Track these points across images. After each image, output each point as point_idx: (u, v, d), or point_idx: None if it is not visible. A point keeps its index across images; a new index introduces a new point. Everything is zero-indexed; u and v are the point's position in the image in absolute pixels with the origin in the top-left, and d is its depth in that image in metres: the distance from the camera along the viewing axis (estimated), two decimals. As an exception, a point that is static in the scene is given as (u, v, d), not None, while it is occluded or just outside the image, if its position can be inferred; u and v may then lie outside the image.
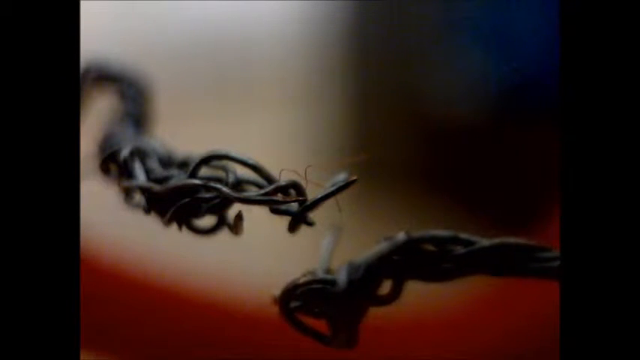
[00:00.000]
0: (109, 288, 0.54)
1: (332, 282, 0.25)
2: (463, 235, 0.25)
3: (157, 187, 0.27)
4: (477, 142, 0.87)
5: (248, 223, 0.27)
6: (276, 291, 0.25)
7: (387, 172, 0.88)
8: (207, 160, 0.27)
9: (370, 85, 0.96)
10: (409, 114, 0.92)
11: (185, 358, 0.55)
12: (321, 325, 0.25)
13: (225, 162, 0.27)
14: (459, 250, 0.25)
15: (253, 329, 0.54)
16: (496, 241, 0.24)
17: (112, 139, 0.30)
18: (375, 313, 0.25)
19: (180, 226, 0.27)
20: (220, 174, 0.27)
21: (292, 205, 0.26)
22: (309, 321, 0.25)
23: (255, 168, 0.26)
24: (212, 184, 0.26)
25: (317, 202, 0.26)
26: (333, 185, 0.26)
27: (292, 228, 0.26)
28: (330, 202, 0.26)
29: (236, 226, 0.27)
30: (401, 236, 0.25)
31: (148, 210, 0.27)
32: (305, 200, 0.26)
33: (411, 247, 0.25)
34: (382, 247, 0.25)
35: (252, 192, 0.26)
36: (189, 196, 0.26)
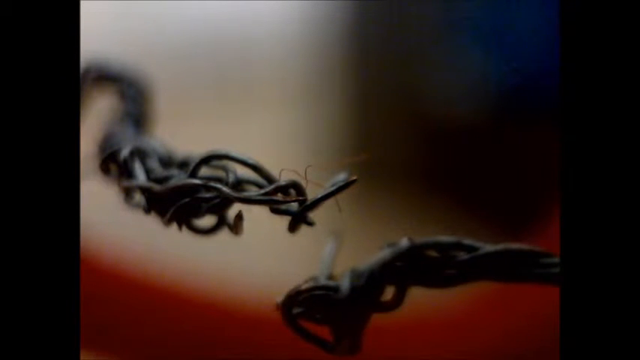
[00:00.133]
0: (109, 288, 0.54)
1: (335, 288, 0.25)
2: (466, 241, 0.25)
3: (157, 187, 0.27)
4: (477, 142, 0.87)
5: (248, 223, 0.27)
6: (279, 297, 0.25)
7: (387, 172, 0.88)
8: (207, 160, 0.27)
9: (370, 85, 0.96)
10: (409, 114, 0.92)
11: (185, 358, 0.55)
12: (324, 331, 0.25)
13: (225, 162, 0.27)
14: (463, 256, 0.25)
15: (253, 329, 0.54)
16: (499, 247, 0.24)
17: (112, 139, 0.30)
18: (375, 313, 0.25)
19: (180, 226, 0.27)
20: (220, 174, 0.27)
21: (292, 205, 0.26)
22: (312, 327, 0.25)
23: (255, 168, 0.26)
24: (212, 184, 0.26)
25: (317, 202, 0.26)
26: (333, 185, 0.26)
27: (292, 228, 0.26)
28: (330, 202, 0.26)
29: (236, 226, 0.27)
30: (404, 242, 0.25)
31: (148, 210, 0.27)
32: (305, 200, 0.26)
33: (414, 253, 0.25)
34: (385, 253, 0.25)
35: (252, 192, 0.26)
36: (189, 196, 0.26)
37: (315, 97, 1.03)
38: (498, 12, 0.85)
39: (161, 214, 0.27)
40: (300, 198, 0.26)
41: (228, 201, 0.26)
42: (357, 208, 0.82)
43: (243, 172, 0.26)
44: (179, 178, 0.27)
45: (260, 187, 0.26)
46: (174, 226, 0.27)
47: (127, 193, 0.28)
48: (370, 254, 0.25)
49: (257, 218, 0.27)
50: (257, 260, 0.72)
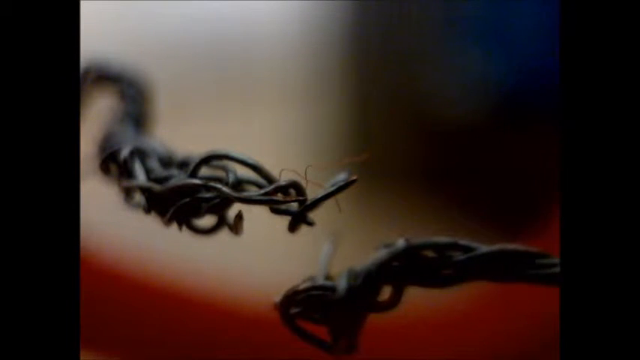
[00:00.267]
0: (109, 288, 0.54)
1: (332, 289, 0.25)
2: (463, 242, 0.25)
3: (157, 187, 0.27)
4: (477, 141, 0.87)
5: (248, 223, 0.27)
6: (277, 297, 0.26)
7: (388, 172, 0.88)
8: (207, 160, 0.27)
9: (370, 85, 0.96)
10: (409, 114, 0.92)
11: (185, 357, 0.55)
12: (321, 331, 0.25)
13: (225, 162, 0.27)
14: (459, 256, 0.25)
15: (253, 329, 0.54)
16: (496, 247, 0.25)
17: (112, 139, 0.30)
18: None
19: (180, 226, 0.27)
20: (220, 174, 0.27)
21: (292, 205, 0.26)
22: (310, 327, 0.25)
23: (255, 168, 0.26)
24: (212, 184, 0.26)
25: (317, 202, 0.26)
26: (333, 185, 0.26)
27: (292, 228, 0.26)
28: (330, 202, 0.26)
29: (236, 226, 0.27)
30: (400, 243, 0.25)
31: (148, 210, 0.27)
32: (305, 200, 0.26)
33: (410, 253, 0.25)
34: (382, 253, 0.25)
35: (252, 192, 0.26)
36: (190, 196, 0.26)
37: (315, 97, 1.03)
38: (498, 12, 0.85)
39: (161, 214, 0.27)
40: (300, 198, 0.26)
41: (228, 201, 0.26)
42: (357, 208, 0.82)
43: (243, 172, 0.26)
44: (179, 178, 0.27)
45: (260, 187, 0.26)
46: (174, 226, 0.27)
47: (127, 193, 0.28)
48: (370, 254, 0.25)
49: (257, 218, 0.27)
50: (257, 260, 0.72)
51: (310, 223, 0.26)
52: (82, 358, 0.27)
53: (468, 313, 0.58)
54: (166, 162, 0.28)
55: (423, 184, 0.90)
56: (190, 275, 0.58)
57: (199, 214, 0.26)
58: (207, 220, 0.27)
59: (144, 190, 0.27)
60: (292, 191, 0.26)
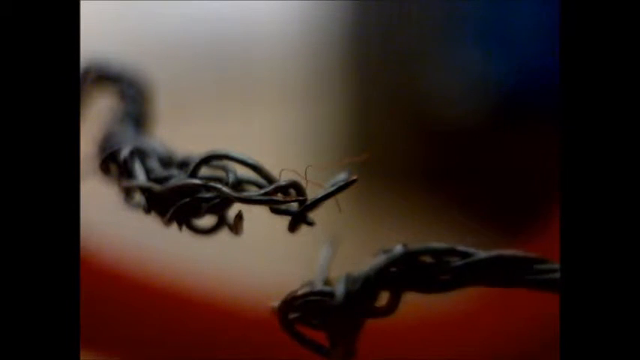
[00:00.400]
0: (109, 288, 0.54)
1: (330, 294, 0.25)
2: (460, 247, 0.25)
3: (157, 187, 0.27)
4: (477, 142, 0.87)
5: (248, 223, 0.27)
6: (275, 302, 0.26)
7: (388, 171, 0.88)
8: (207, 160, 0.27)
9: (370, 85, 0.96)
10: (409, 114, 0.92)
11: (185, 358, 0.55)
12: (320, 336, 0.25)
13: (225, 162, 0.27)
14: (457, 261, 0.25)
15: (252, 329, 0.54)
16: (493, 253, 0.25)
17: (112, 139, 0.30)
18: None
19: (180, 226, 0.27)
20: (220, 174, 0.27)
21: (292, 205, 0.26)
22: (308, 332, 0.26)
23: (255, 168, 0.26)
24: (212, 184, 0.26)
25: (317, 202, 0.26)
26: (333, 185, 0.26)
27: (292, 228, 0.26)
28: (330, 202, 0.26)
29: (236, 226, 0.27)
30: (398, 248, 0.25)
31: (148, 210, 0.27)
32: (305, 200, 0.26)
33: (408, 259, 0.25)
34: (380, 259, 0.25)
35: (252, 192, 0.26)
36: (190, 196, 0.26)
37: (315, 97, 1.03)
38: (498, 12, 0.85)
39: (161, 214, 0.27)
40: (300, 198, 0.26)
41: (228, 201, 0.26)
42: (357, 208, 0.82)
43: (243, 172, 0.26)
44: (179, 178, 0.27)
45: (260, 187, 0.26)
46: (174, 226, 0.27)
47: (127, 193, 0.28)
48: (370, 254, 0.25)
49: (257, 218, 0.27)
50: (257, 260, 0.72)
51: (310, 223, 0.26)
52: (82, 358, 0.27)
53: (467, 314, 0.58)
54: (166, 162, 0.28)
55: (423, 184, 0.90)
56: (190, 275, 0.58)
57: (199, 214, 0.26)
58: (207, 220, 0.27)
59: (144, 190, 0.27)
60: (292, 191, 0.26)
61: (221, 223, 0.27)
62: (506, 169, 0.85)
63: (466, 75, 0.85)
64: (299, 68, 1.06)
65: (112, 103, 0.33)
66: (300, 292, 0.25)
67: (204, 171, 0.27)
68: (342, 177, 0.26)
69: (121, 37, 1.04)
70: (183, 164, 0.28)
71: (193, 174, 0.26)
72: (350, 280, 0.25)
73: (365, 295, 0.25)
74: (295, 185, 0.26)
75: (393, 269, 0.25)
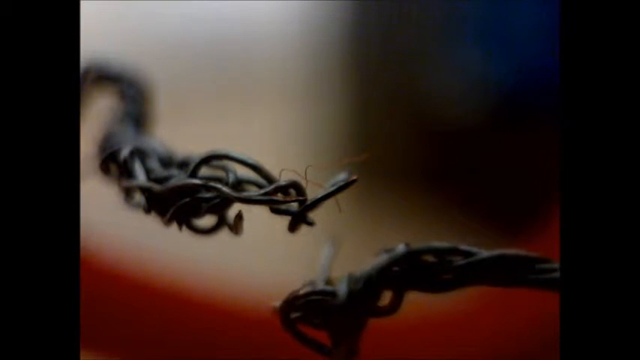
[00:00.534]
0: (109, 288, 0.54)
1: (332, 293, 0.25)
2: (463, 247, 0.25)
3: (157, 187, 0.27)
4: (477, 142, 0.87)
5: (248, 223, 0.27)
6: (277, 302, 0.26)
7: (388, 171, 0.88)
8: (207, 160, 0.27)
9: (370, 85, 0.96)
10: (409, 114, 0.92)
11: (185, 358, 0.55)
12: (322, 336, 0.25)
13: (225, 162, 0.27)
14: (459, 261, 0.25)
15: (253, 329, 0.54)
16: (496, 252, 0.25)
17: (112, 139, 0.30)
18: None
19: (180, 226, 0.27)
20: (220, 174, 0.27)
21: (292, 205, 0.26)
22: (310, 332, 0.26)
23: (255, 168, 0.26)
24: (212, 184, 0.26)
25: (317, 202, 0.26)
26: (333, 185, 0.26)
27: (292, 228, 0.26)
28: (330, 202, 0.26)
29: (236, 226, 0.27)
30: (401, 248, 0.25)
31: (148, 210, 0.27)
32: (305, 200, 0.26)
33: (411, 258, 0.25)
34: (382, 258, 0.25)
35: (252, 192, 0.26)
36: (190, 196, 0.26)
37: (315, 97, 1.03)
38: (498, 12, 0.85)
39: (161, 214, 0.27)
40: (300, 198, 0.26)
41: (228, 201, 0.26)
42: (358, 208, 0.82)
43: (243, 172, 0.26)
44: (179, 178, 0.27)
45: (260, 187, 0.26)
46: (174, 226, 0.27)
47: (127, 193, 0.28)
48: (370, 254, 0.25)
49: (257, 218, 0.27)
50: (257, 260, 0.72)
51: (310, 223, 0.26)
52: (82, 358, 0.27)
53: (467, 314, 0.58)
54: (166, 162, 0.28)
55: (423, 183, 0.90)
56: (190, 275, 0.58)
57: (199, 214, 0.26)
58: (207, 220, 0.27)
59: (144, 190, 0.27)
60: (292, 191, 0.26)
61: (221, 223, 0.27)
62: (506, 169, 0.85)
63: (466, 75, 0.85)
64: (299, 68, 1.06)
65: (112, 103, 0.33)
66: (301, 292, 0.25)
67: (204, 171, 0.27)
68: (342, 177, 0.26)
69: (121, 37, 1.04)
70: (183, 164, 0.28)
71: (193, 174, 0.26)
72: (352, 279, 0.25)
73: (367, 294, 0.25)
74: (295, 185, 0.26)
75: (396, 268, 0.25)
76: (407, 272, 0.25)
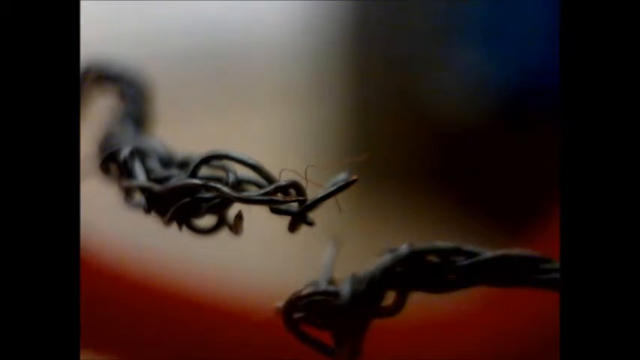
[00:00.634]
0: (109, 288, 0.54)
1: (335, 294, 0.25)
2: (466, 247, 0.25)
3: (157, 187, 0.27)
4: (477, 142, 0.87)
5: (248, 223, 0.27)
6: (279, 302, 0.26)
7: (388, 172, 0.88)
8: (207, 160, 0.27)
9: (371, 85, 0.96)
10: (410, 114, 0.92)
11: (185, 358, 0.55)
12: (325, 336, 0.25)
13: (225, 162, 0.27)
14: (462, 261, 0.25)
15: (253, 329, 0.54)
16: (499, 252, 0.25)
17: (112, 139, 0.30)
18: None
19: (180, 226, 0.27)
20: (220, 174, 0.27)
21: (292, 204, 0.26)
22: (313, 332, 0.26)
23: (255, 168, 0.26)
24: (212, 184, 0.26)
25: (317, 202, 0.26)
26: (333, 185, 0.26)
27: (292, 228, 0.26)
28: (330, 202, 0.26)
29: (236, 226, 0.27)
30: (404, 248, 0.25)
31: (148, 210, 0.27)
32: (305, 200, 0.26)
33: (414, 258, 0.25)
34: (385, 259, 0.25)
35: (252, 192, 0.26)
36: (189, 196, 0.26)
37: (315, 97, 1.03)
38: (498, 12, 0.85)
39: (161, 214, 0.27)
40: (300, 198, 0.26)
41: (228, 201, 0.26)
42: (358, 208, 0.82)
43: (243, 172, 0.26)
44: (179, 178, 0.27)
45: (260, 187, 0.26)
46: (175, 226, 0.27)
47: (127, 193, 0.28)
48: (371, 254, 0.25)
49: (257, 218, 0.27)
50: (257, 260, 0.72)
51: (310, 223, 0.26)
52: (82, 358, 0.27)
53: (468, 314, 0.58)
54: (166, 162, 0.28)
55: (423, 184, 0.90)
56: (190, 275, 0.58)
57: (199, 214, 0.26)
58: (207, 220, 0.27)
59: (144, 190, 0.27)
60: (292, 191, 0.26)
61: (221, 223, 0.27)
62: (506, 169, 0.85)
63: (467, 75, 0.85)
64: (300, 68, 1.06)
65: (112, 103, 0.33)
66: (304, 292, 0.25)
67: (204, 171, 0.27)
68: (342, 177, 0.26)
69: (121, 37, 1.04)
70: (183, 164, 0.28)
71: (193, 174, 0.26)
72: (355, 279, 0.25)
73: (371, 294, 0.25)
74: (295, 185, 0.26)
75: (399, 269, 0.25)
76: (410, 273, 0.25)
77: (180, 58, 1.10)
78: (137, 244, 0.58)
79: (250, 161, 0.26)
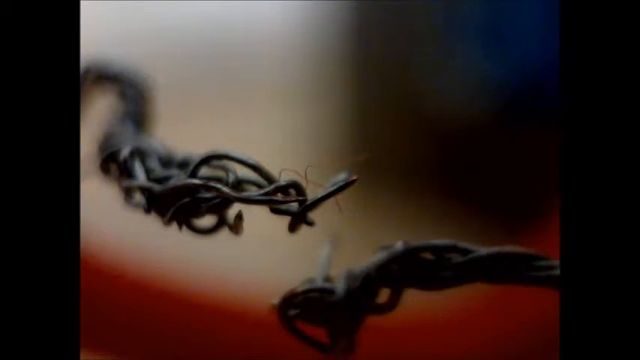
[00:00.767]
0: (109, 288, 0.54)
1: (330, 291, 0.25)
2: (461, 244, 0.25)
3: (157, 187, 0.27)
4: (477, 142, 0.87)
5: (248, 223, 0.27)
6: (275, 299, 0.26)
7: (388, 172, 0.88)
8: (207, 160, 0.27)
9: (371, 85, 0.96)
10: (410, 114, 0.92)
11: (185, 357, 0.55)
12: (320, 333, 0.25)
13: (225, 162, 0.27)
14: (457, 258, 0.25)
15: (253, 329, 0.54)
16: (494, 249, 0.25)
17: (112, 139, 0.30)
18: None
19: (180, 226, 0.27)
20: (220, 174, 0.27)
21: (292, 205, 0.26)
22: (308, 329, 0.26)
23: (255, 168, 0.26)
24: (212, 184, 0.26)
25: (317, 202, 0.26)
26: (333, 185, 0.26)
27: (292, 228, 0.26)
28: (330, 202, 0.26)
29: (236, 226, 0.27)
30: (399, 245, 0.25)
31: (148, 210, 0.27)
32: (305, 200, 0.26)
33: (409, 255, 0.25)
34: (380, 256, 0.25)
35: (252, 192, 0.26)
36: (189, 196, 0.26)
37: (315, 97, 1.03)
38: (498, 12, 0.85)
39: (161, 214, 0.27)
40: (300, 198, 0.26)
41: (228, 201, 0.26)
42: (358, 208, 0.82)
43: (243, 172, 0.26)
44: (179, 178, 0.27)
45: (260, 187, 0.26)
46: (175, 226, 0.27)
47: (127, 193, 0.28)
48: (370, 255, 0.25)
49: (257, 218, 0.27)
50: (257, 260, 0.72)
51: (310, 223, 0.26)
52: (82, 358, 0.27)
53: (468, 314, 0.58)
54: (166, 162, 0.28)
55: (423, 184, 0.90)
56: (190, 275, 0.58)
57: (199, 214, 0.26)
58: (207, 220, 0.27)
59: (144, 190, 0.27)
60: (292, 191, 0.26)
61: (221, 223, 0.27)
62: (506, 169, 0.85)
63: (466, 75, 0.85)
64: (299, 68, 1.06)
65: (112, 103, 0.33)
66: (300, 289, 0.25)
67: (204, 171, 0.27)
68: (342, 177, 0.26)
69: (121, 37, 1.04)
70: (183, 164, 0.28)
71: (193, 174, 0.26)
72: (350, 276, 0.25)
73: (365, 291, 0.25)
74: (295, 185, 0.26)
75: (394, 266, 0.25)
76: (405, 270, 0.25)
77: (180, 58, 1.10)
78: (137, 244, 0.58)
79: (250, 161, 0.26)
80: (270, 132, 1.02)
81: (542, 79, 0.81)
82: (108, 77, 0.34)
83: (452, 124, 0.87)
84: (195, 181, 0.26)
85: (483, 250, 0.25)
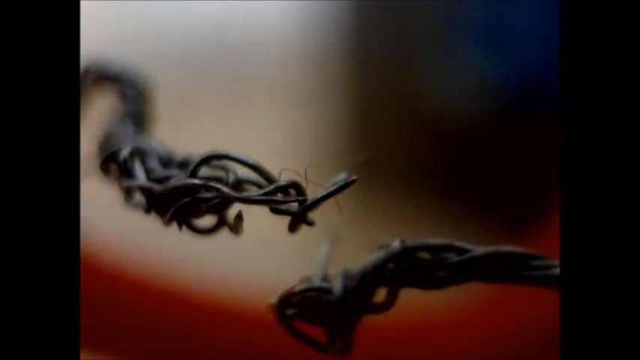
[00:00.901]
0: (109, 288, 0.55)
1: (327, 290, 0.25)
2: (458, 243, 0.25)
3: (157, 187, 0.27)
4: (477, 142, 0.87)
5: (248, 223, 0.27)
6: (273, 299, 0.26)
7: (388, 172, 0.88)
8: (207, 160, 0.27)
9: (371, 85, 0.96)
10: (410, 114, 0.92)
11: (185, 357, 0.55)
12: (317, 332, 0.25)
13: (225, 162, 0.27)
14: (454, 257, 0.25)
15: (253, 329, 0.54)
16: (491, 249, 0.25)
17: (112, 139, 0.30)
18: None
19: (180, 226, 0.27)
20: (220, 174, 0.27)
21: (292, 205, 0.26)
22: (306, 328, 0.26)
23: (255, 168, 0.26)
24: (212, 184, 0.26)
25: (317, 202, 0.26)
26: (333, 185, 0.26)
27: (292, 228, 0.26)
28: (330, 202, 0.26)
29: (236, 226, 0.27)
30: (396, 244, 0.25)
31: (148, 210, 0.27)
32: (305, 200, 0.26)
33: (406, 255, 0.25)
34: (377, 255, 0.25)
35: (252, 192, 0.26)
36: (189, 196, 0.26)
37: (316, 97, 1.03)
38: (498, 13, 0.85)
39: (161, 214, 0.27)
40: (300, 198, 0.26)
41: (228, 201, 0.26)
42: (358, 208, 0.82)
43: (243, 172, 0.26)
44: (179, 178, 0.27)
45: (260, 187, 0.26)
46: (175, 226, 0.27)
47: (127, 193, 0.28)
48: (370, 254, 0.25)
49: (257, 218, 0.27)
50: (257, 260, 0.72)
51: (310, 223, 0.26)
52: (82, 358, 0.27)
53: (467, 314, 0.58)
54: (166, 162, 0.28)
55: (423, 184, 0.90)
56: (190, 275, 0.58)
57: (199, 214, 0.26)
58: (207, 220, 0.27)
59: (144, 190, 0.27)
60: (292, 191, 0.26)
61: (221, 223, 0.27)
62: (506, 169, 0.85)
63: (466, 75, 0.85)
64: (299, 68, 1.06)
65: (112, 103, 0.33)
66: (297, 289, 0.25)
67: (204, 171, 0.27)
68: (342, 177, 0.26)
69: (121, 37, 1.04)
70: (183, 164, 0.28)
71: (193, 174, 0.26)
72: (347, 276, 0.25)
73: (362, 291, 0.25)
74: (295, 185, 0.26)
75: (391, 265, 0.25)
76: (402, 269, 0.25)
77: (180, 57, 1.10)
78: (137, 244, 0.58)
79: (250, 161, 0.26)
80: (270, 132, 1.02)
81: (542, 79, 0.81)
82: (108, 77, 0.34)
83: (452, 124, 0.87)
84: (195, 181, 0.26)
85: (480, 250, 0.25)
